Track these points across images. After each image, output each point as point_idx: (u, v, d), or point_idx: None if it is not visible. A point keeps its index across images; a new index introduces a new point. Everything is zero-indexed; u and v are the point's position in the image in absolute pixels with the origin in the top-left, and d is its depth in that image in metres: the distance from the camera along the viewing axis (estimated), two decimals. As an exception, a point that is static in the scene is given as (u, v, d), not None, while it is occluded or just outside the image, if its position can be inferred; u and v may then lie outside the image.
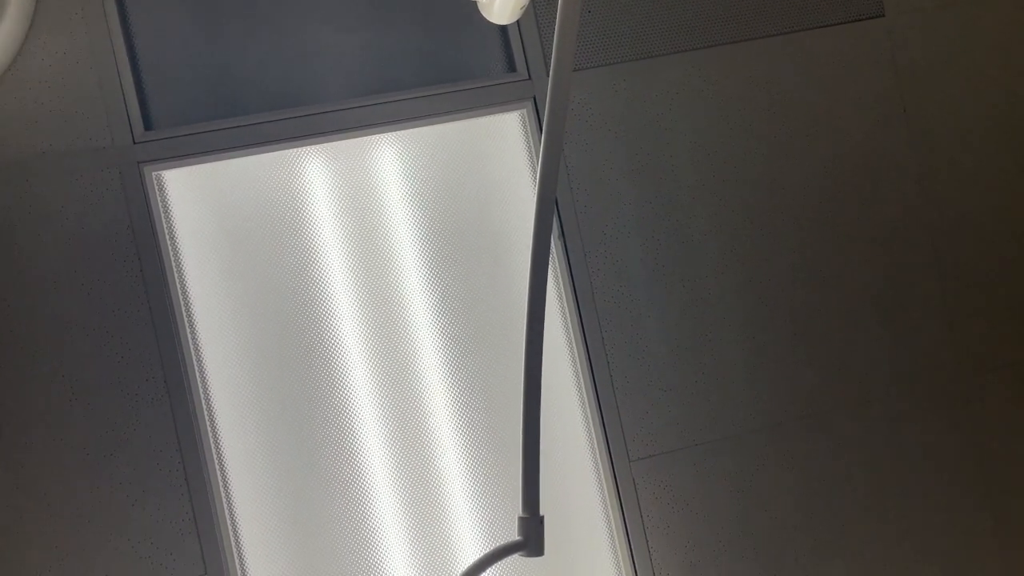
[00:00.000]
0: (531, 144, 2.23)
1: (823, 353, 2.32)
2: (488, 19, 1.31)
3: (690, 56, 2.31)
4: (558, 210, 2.21)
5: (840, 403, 2.32)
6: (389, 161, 2.18)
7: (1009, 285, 2.44)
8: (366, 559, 2.08)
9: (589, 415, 2.21)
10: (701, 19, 2.32)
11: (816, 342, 2.32)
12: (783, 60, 2.35)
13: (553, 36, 1.04)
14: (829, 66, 2.37)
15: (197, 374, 2.04)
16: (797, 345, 2.31)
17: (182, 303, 2.04)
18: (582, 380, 2.21)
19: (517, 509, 1.25)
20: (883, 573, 2.32)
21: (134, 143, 2.03)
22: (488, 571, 1.26)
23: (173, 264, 2.05)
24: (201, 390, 2.04)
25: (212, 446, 2.03)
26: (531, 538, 1.24)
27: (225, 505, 2.03)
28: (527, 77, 2.22)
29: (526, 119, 2.23)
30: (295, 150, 2.12)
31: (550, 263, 2.11)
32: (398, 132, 2.17)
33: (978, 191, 2.44)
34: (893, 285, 2.37)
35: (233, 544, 2.02)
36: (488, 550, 1.31)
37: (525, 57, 2.23)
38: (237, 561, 2.02)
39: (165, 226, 2.05)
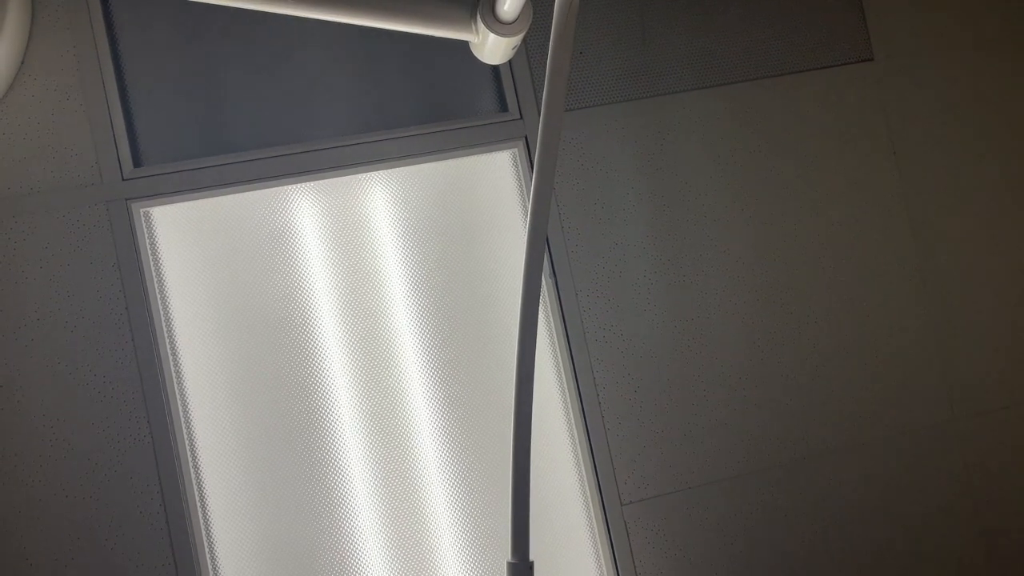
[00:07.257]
0: (522, 183, 2.23)
1: (816, 397, 2.30)
2: (480, 59, 1.32)
3: (681, 97, 2.32)
4: (549, 249, 2.21)
5: (833, 447, 2.30)
6: (379, 199, 2.17)
7: (1000, 325, 2.43)
8: (351, 605, 2.04)
9: (580, 457, 2.18)
10: (693, 61, 2.34)
11: (809, 385, 2.30)
12: (774, 101, 2.37)
13: (544, 76, 1.04)
14: (820, 108, 2.40)
15: (180, 411, 2.00)
16: (790, 388, 2.29)
17: (167, 341, 2.02)
18: (573, 422, 2.18)
19: (506, 553, 1.22)
20: (879, 620, 2.28)
21: (123, 180, 2.02)
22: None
23: (159, 301, 2.02)
24: (184, 426, 2.00)
25: (193, 480, 1.99)
26: (520, 585, 1.21)
27: (203, 534, 1.98)
28: (519, 116, 2.23)
29: (518, 158, 2.23)
30: (285, 188, 2.11)
31: (541, 302, 2.09)
32: (389, 171, 2.17)
33: (966, 228, 2.45)
34: (884, 324, 2.36)
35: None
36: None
37: (517, 97, 2.24)
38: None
39: (152, 263, 2.03)
